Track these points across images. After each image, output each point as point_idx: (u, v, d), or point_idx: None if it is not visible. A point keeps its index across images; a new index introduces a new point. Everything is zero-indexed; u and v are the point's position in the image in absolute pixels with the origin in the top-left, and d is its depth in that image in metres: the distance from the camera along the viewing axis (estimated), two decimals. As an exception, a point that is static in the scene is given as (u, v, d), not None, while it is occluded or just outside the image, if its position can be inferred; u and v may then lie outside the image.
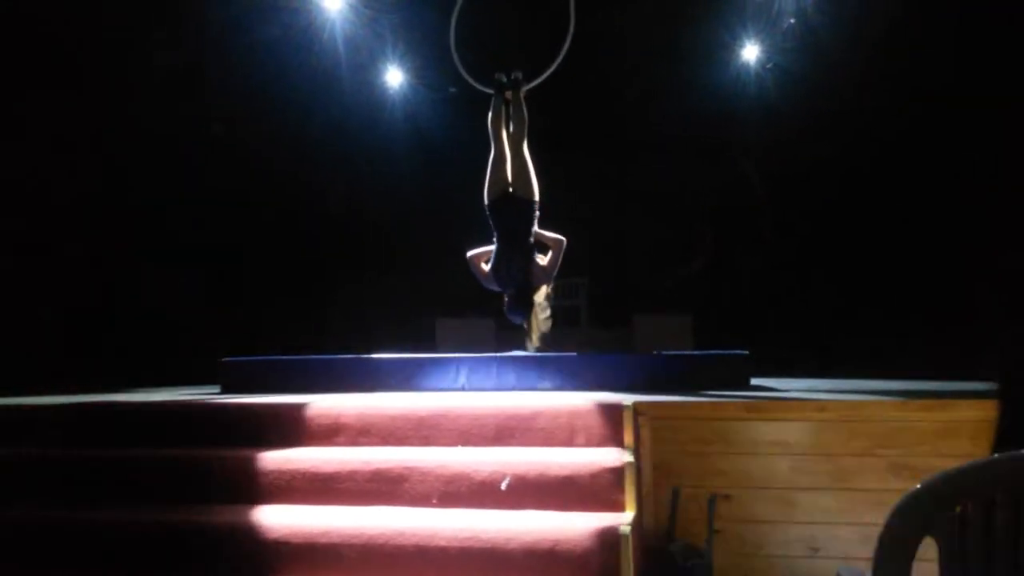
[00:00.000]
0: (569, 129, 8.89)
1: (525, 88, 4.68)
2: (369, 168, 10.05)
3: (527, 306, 4.44)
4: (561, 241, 4.43)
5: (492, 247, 4.45)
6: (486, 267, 4.42)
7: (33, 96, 6.67)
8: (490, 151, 4.59)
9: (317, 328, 9.27)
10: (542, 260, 4.40)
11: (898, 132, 8.07)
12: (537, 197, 4.51)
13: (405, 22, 7.85)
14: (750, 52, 8.02)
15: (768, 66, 8.04)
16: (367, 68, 8.47)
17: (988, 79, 6.86)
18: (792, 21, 7.51)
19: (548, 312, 4.72)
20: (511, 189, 4.49)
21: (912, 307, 7.91)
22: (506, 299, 4.41)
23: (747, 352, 4.04)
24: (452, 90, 8.87)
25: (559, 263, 4.44)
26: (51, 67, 6.84)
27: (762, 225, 9.51)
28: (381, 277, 9.99)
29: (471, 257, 4.52)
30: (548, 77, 4.75)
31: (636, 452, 2.96)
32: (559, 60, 4.70)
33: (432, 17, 7.91)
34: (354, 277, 9.97)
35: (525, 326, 4.67)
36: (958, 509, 1.44)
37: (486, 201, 4.54)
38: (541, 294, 4.61)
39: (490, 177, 4.55)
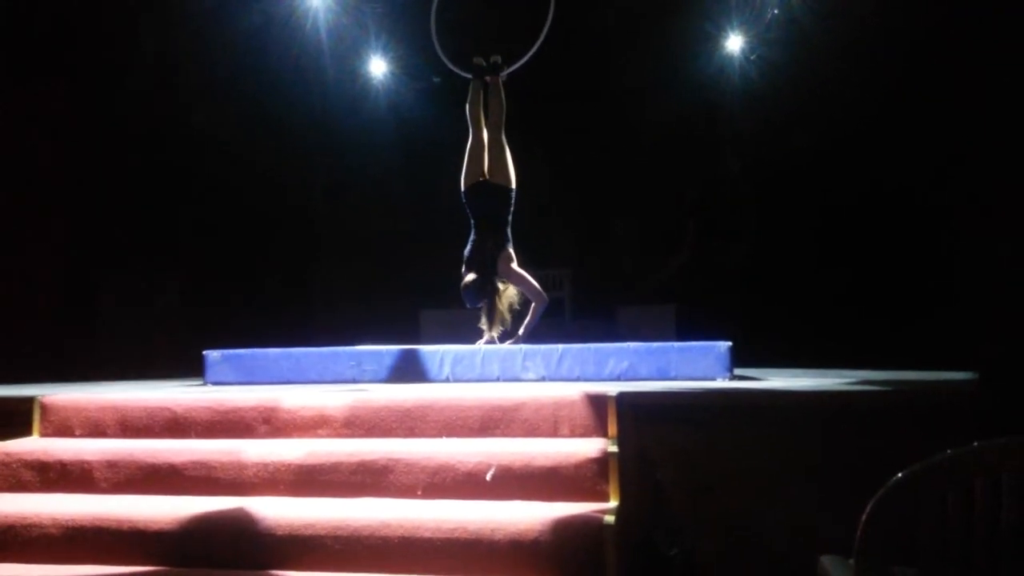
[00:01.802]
0: (553, 120, 8.89)
1: (504, 73, 4.68)
2: (352, 158, 10.01)
3: (487, 292, 4.47)
4: (543, 300, 4.49)
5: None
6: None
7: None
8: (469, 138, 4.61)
9: (301, 319, 9.22)
10: (508, 262, 4.45)
11: (883, 120, 8.11)
12: (513, 185, 4.52)
13: (388, 11, 7.80)
14: (734, 43, 8.03)
15: (752, 57, 8.06)
16: (349, 58, 8.41)
17: (970, 67, 6.89)
18: (775, 12, 7.53)
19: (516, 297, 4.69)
20: (486, 176, 4.51)
21: (897, 297, 7.98)
22: (465, 280, 4.42)
23: (730, 342, 4.07)
24: (436, 80, 8.83)
25: (524, 283, 4.50)
26: (37, 59, 6.77)
27: (745, 214, 9.55)
28: (365, 268, 9.96)
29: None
30: (527, 63, 4.75)
31: (620, 442, 2.97)
32: (538, 45, 4.70)
33: (415, 6, 7.87)
34: (338, 268, 9.93)
35: (484, 314, 4.67)
36: (939, 497, 1.46)
37: (462, 187, 4.55)
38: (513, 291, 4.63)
39: (467, 164, 4.58)
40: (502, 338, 4.61)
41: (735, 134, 9.40)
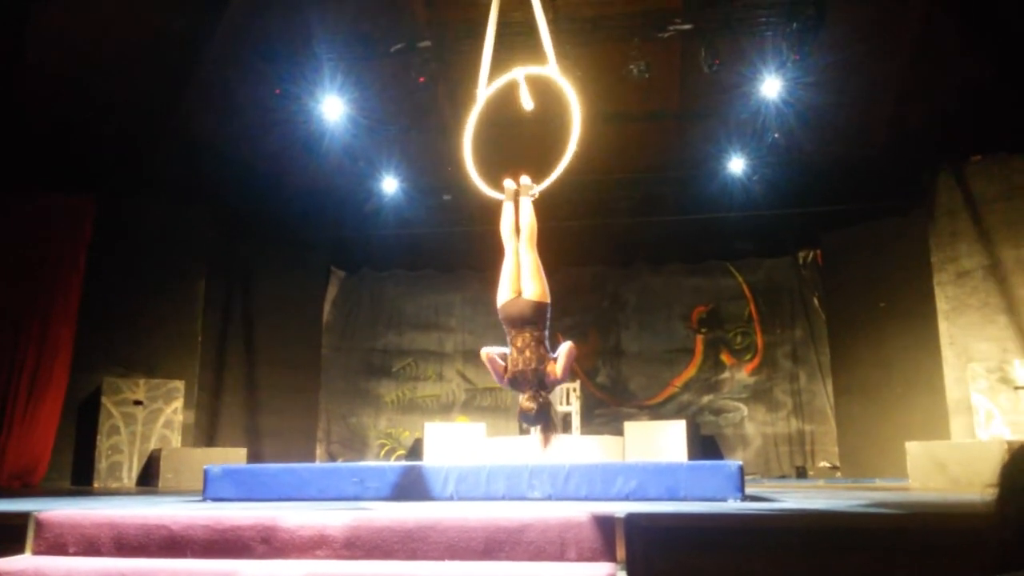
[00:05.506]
0: (564, 240, 9.08)
1: (535, 192, 4.80)
2: (363, 272, 10.18)
3: (545, 413, 4.39)
4: (570, 348, 4.44)
5: (507, 349, 4.49)
6: (501, 363, 4.45)
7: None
8: (503, 257, 4.71)
9: (305, 430, 9.17)
10: (554, 368, 4.40)
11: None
12: (547, 299, 4.56)
13: (399, 133, 8.12)
14: (736, 165, 8.28)
15: (754, 178, 8.29)
16: (365, 176, 8.69)
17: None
18: (776, 136, 7.79)
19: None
20: (520, 292, 4.57)
21: (895, 413, 7.89)
22: (523, 405, 4.37)
23: (740, 463, 3.99)
24: (446, 198, 9.08)
25: (569, 368, 4.46)
26: (58, 173, 7.06)
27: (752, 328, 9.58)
28: (371, 384, 9.95)
29: (486, 353, 4.52)
30: (554, 182, 4.86)
31: (630, 567, 2.87)
32: (562, 167, 4.82)
33: (428, 130, 8.20)
34: (345, 382, 9.91)
35: (539, 432, 4.61)
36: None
37: (498, 304, 4.61)
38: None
39: (502, 281, 4.66)
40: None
41: (740, 253, 9.57)
